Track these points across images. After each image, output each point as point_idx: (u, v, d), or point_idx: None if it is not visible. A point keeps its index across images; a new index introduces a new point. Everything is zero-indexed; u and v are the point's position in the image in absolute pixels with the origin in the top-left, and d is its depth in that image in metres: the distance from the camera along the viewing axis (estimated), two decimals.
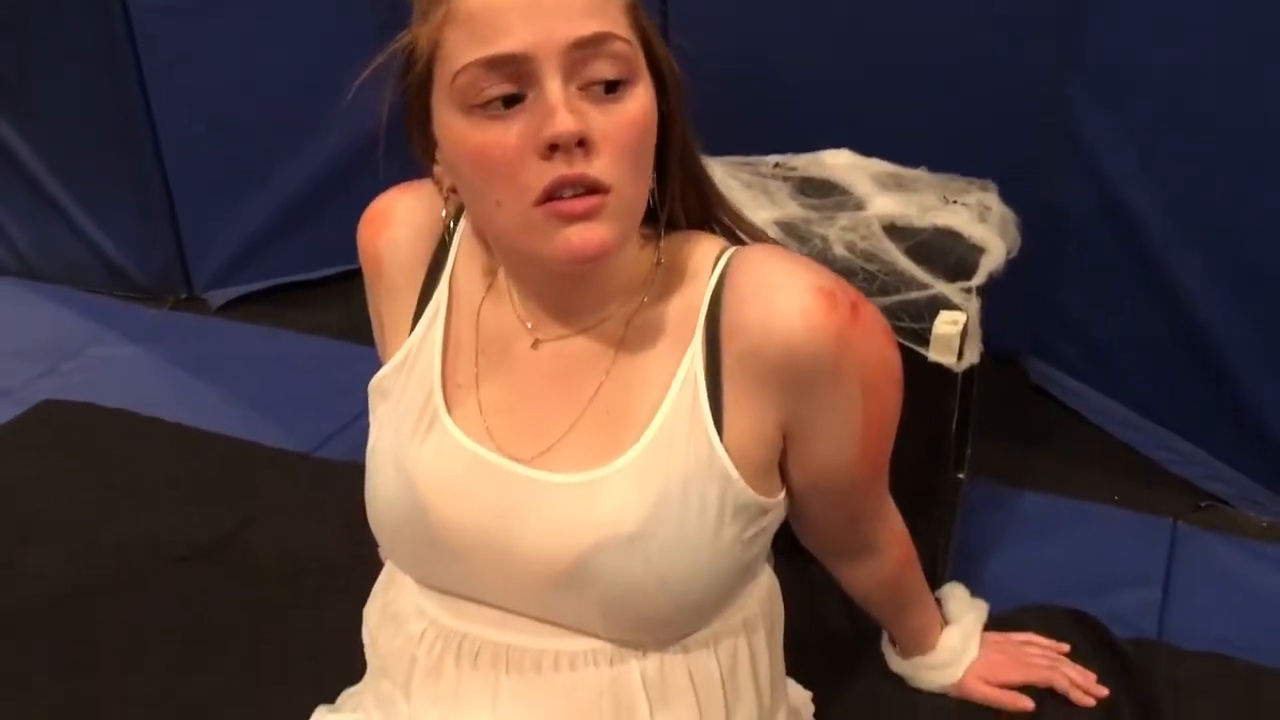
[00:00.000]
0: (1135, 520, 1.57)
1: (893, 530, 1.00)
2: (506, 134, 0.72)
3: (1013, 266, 1.35)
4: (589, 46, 0.72)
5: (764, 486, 0.82)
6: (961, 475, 1.46)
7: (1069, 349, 1.89)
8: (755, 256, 0.82)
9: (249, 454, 1.53)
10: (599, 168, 0.72)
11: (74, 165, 2.32)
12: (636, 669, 0.83)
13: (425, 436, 0.83)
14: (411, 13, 0.78)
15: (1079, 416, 1.87)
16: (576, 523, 0.79)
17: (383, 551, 0.92)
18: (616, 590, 0.79)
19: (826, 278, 0.80)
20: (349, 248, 2.56)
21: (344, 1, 2.08)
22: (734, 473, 0.79)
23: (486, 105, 0.73)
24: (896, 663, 1.15)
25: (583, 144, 0.71)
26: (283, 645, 1.17)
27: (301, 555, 1.32)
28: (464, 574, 0.84)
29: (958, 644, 1.12)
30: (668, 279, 0.83)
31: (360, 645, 0.96)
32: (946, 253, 1.28)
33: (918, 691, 1.14)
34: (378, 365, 1.37)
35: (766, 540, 0.87)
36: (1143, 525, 1.56)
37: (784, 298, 0.78)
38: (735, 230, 0.88)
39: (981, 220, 1.34)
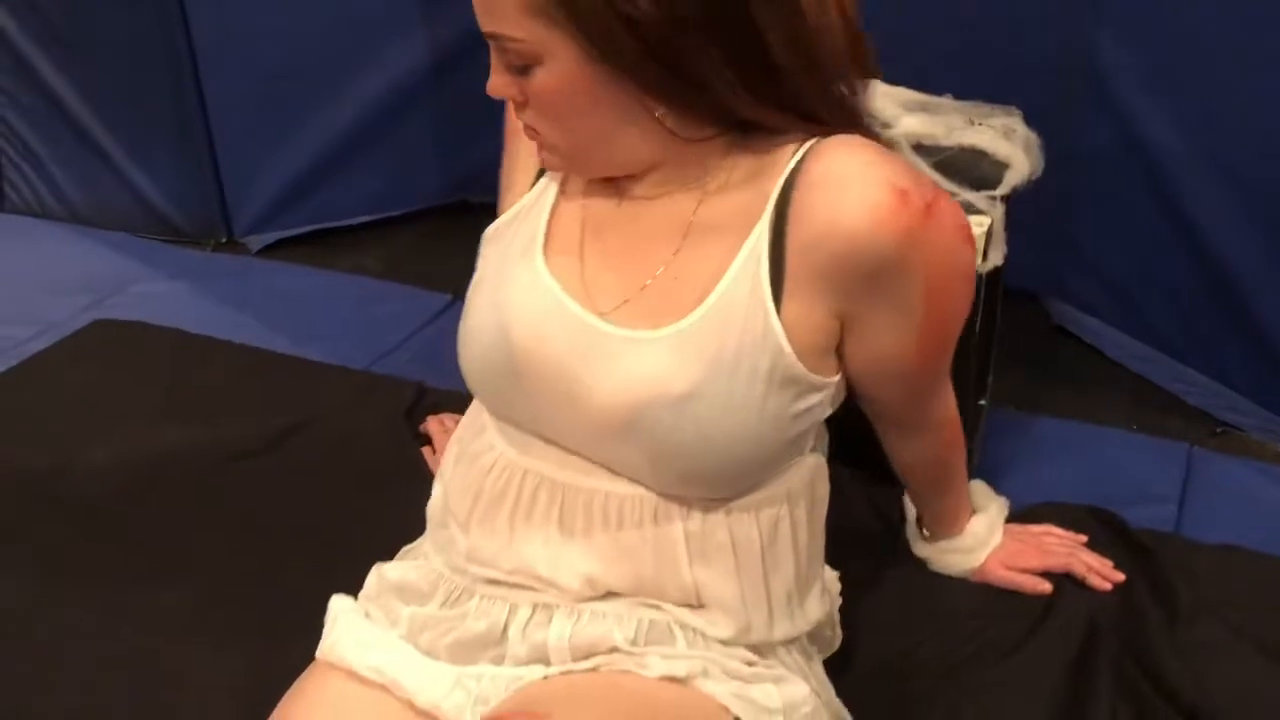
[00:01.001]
0: (1152, 444, 1.61)
1: (946, 413, 1.04)
2: None
3: (1033, 206, 1.39)
4: (491, 38, 0.82)
5: (817, 365, 0.86)
6: (983, 403, 1.51)
7: (1089, 288, 1.93)
8: (834, 147, 0.83)
9: (298, 366, 1.59)
10: (528, 117, 0.86)
11: (120, 113, 2.39)
12: (680, 522, 0.88)
13: (521, 276, 0.91)
14: None
15: (1099, 354, 1.91)
16: (634, 376, 0.85)
17: (469, 385, 0.97)
18: (665, 445, 0.85)
19: (904, 175, 0.81)
20: (386, 194, 2.61)
21: None
22: (787, 347, 0.83)
23: None
24: (921, 546, 1.19)
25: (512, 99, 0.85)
26: (340, 525, 1.22)
27: (355, 451, 1.38)
28: (534, 410, 0.90)
29: (983, 530, 1.16)
30: (747, 166, 0.86)
31: (420, 521, 1.03)
32: (972, 167, 1.32)
33: (938, 575, 1.18)
34: (417, 303, 1.44)
35: (816, 418, 0.90)
36: (1159, 449, 1.60)
37: (854, 192, 0.80)
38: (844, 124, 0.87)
39: (1006, 139, 1.39)
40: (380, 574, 0.99)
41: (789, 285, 0.83)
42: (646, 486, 0.88)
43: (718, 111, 0.83)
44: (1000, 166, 1.34)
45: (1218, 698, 1.00)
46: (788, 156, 0.84)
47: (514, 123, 0.96)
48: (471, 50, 2.32)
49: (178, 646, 1.11)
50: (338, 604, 0.99)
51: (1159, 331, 1.84)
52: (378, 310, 1.99)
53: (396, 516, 1.07)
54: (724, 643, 0.91)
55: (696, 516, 0.89)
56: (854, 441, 1.04)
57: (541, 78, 0.81)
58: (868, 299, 0.85)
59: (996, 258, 1.24)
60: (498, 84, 0.85)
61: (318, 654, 0.96)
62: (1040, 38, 1.80)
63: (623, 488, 0.89)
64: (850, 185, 0.81)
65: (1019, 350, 1.72)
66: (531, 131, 0.87)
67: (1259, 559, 1.20)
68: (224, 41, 2.26)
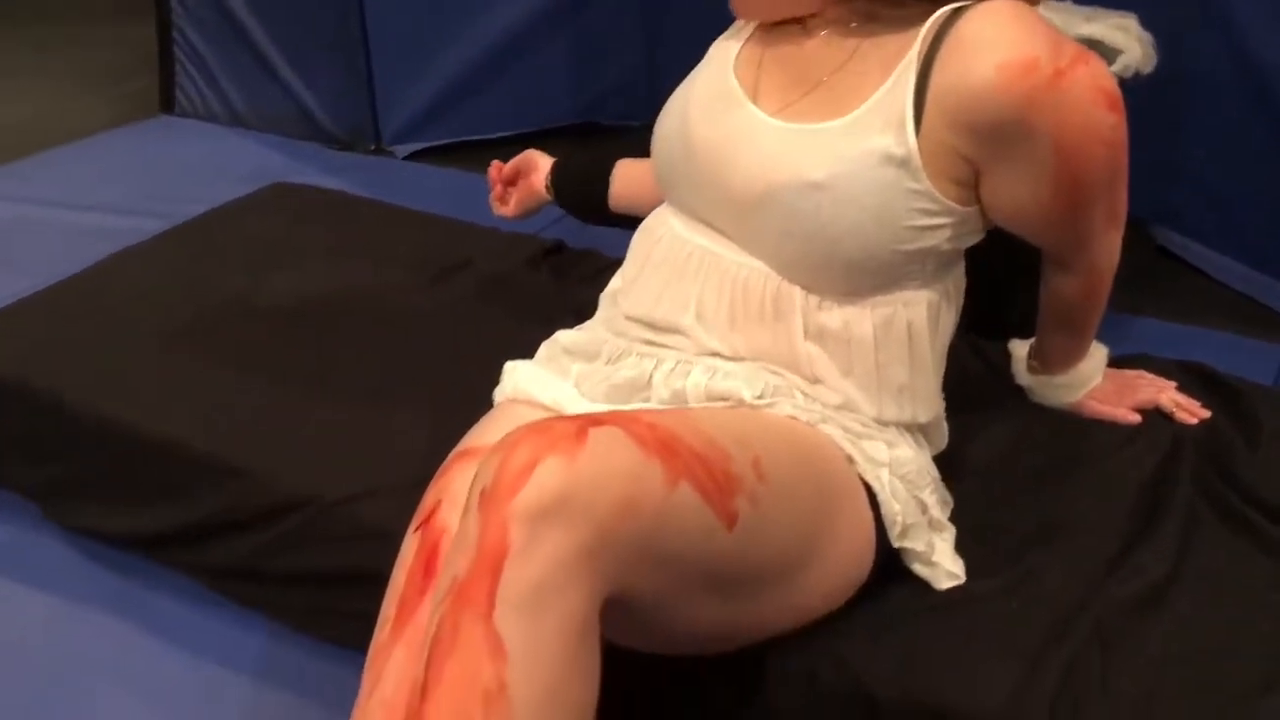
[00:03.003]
0: (1246, 344, 1.69)
1: (1096, 263, 1.10)
2: None
3: (1141, 132, 1.46)
4: None
5: (945, 189, 0.96)
6: None
7: (1194, 211, 2.00)
8: (982, 12, 0.92)
9: (451, 224, 1.76)
10: None
11: (286, 27, 2.61)
12: (798, 301, 1.01)
13: (713, 76, 1.07)
14: None
15: (1201, 274, 1.99)
16: (776, 158, 0.98)
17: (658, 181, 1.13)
18: (790, 227, 0.98)
19: (1039, 42, 0.90)
20: (521, 112, 2.77)
21: None
22: (918, 162, 0.95)
23: None
24: (1026, 377, 1.29)
25: None
26: (493, 340, 1.34)
27: (505, 286, 1.53)
28: (696, 190, 1.05)
29: (1090, 371, 1.25)
30: (904, 19, 0.97)
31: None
32: None
33: (1035, 404, 1.29)
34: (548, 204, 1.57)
35: (936, 242, 0.98)
36: (1253, 349, 1.68)
37: (984, 55, 0.90)
38: None
39: (1122, 32, 1.48)
40: (554, 340, 1.15)
41: (926, 119, 0.95)
42: (773, 268, 1.02)
43: None
44: (1115, 52, 1.44)
45: None
46: (942, 13, 0.95)
47: None
48: None
49: (361, 415, 1.28)
50: (513, 364, 1.14)
51: (1262, 251, 1.90)
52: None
53: (541, 336, 1.21)
54: (836, 408, 1.03)
55: (814, 300, 1.01)
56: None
57: None
58: (994, 152, 0.95)
59: None
60: None
61: (496, 399, 1.12)
62: None
63: (755, 263, 1.02)
64: (982, 48, 0.91)
65: (1120, 267, 1.80)
66: None
67: None
68: None
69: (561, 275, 1.58)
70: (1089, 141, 0.95)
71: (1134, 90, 1.44)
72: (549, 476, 0.76)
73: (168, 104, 2.81)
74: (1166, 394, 1.27)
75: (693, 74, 1.13)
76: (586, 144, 2.59)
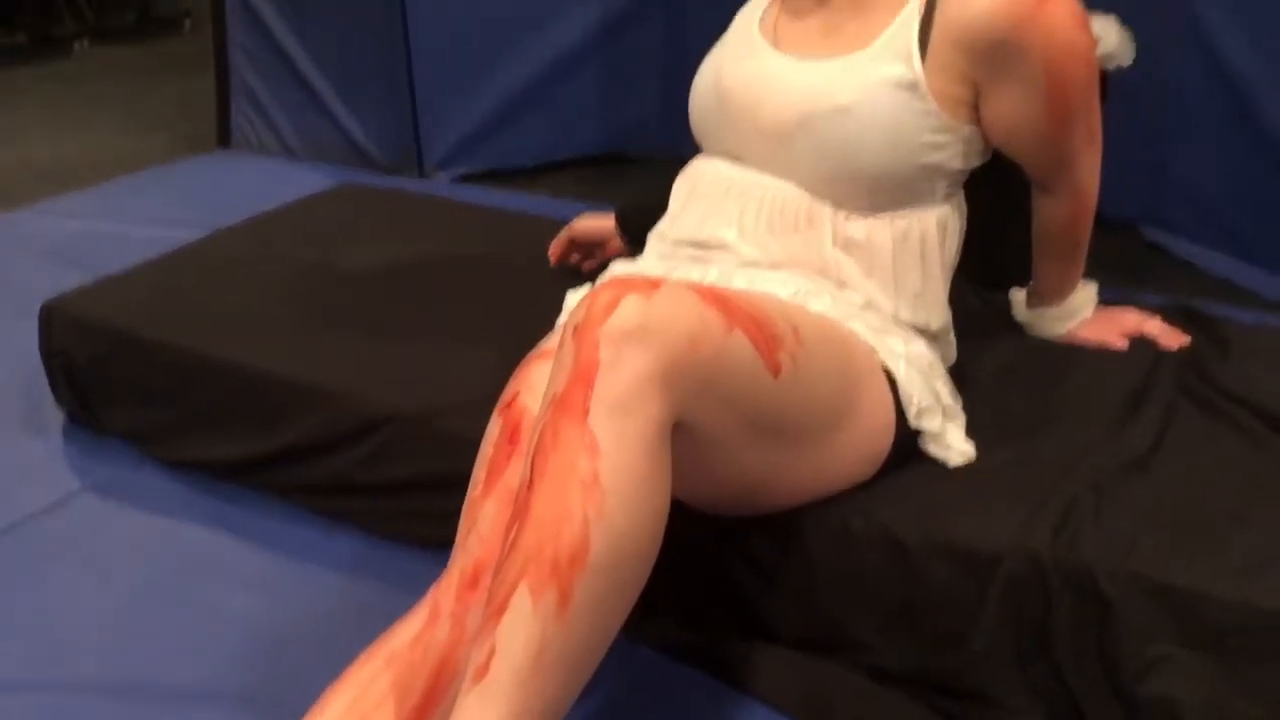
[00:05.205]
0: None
1: (1081, 185, 1.28)
2: None
3: (1127, 138, 1.59)
4: None
5: (951, 109, 1.16)
6: None
7: (1178, 211, 2.18)
8: None
9: (507, 214, 1.95)
10: None
11: (337, 66, 2.82)
12: (827, 216, 1.19)
13: (740, 37, 1.27)
14: None
15: (1190, 265, 2.16)
16: (805, 90, 1.17)
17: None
18: (821, 148, 1.16)
19: None
20: (553, 142, 2.98)
21: None
22: (924, 86, 1.14)
23: None
24: (1023, 312, 1.46)
25: None
26: (545, 298, 1.48)
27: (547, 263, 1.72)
28: (731, 134, 1.23)
29: (1081, 303, 1.42)
30: None
31: None
32: None
33: (1030, 336, 1.45)
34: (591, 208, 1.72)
35: (945, 160, 1.18)
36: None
37: None
38: None
39: (1098, 19, 1.67)
40: (608, 271, 1.31)
41: (932, 48, 1.15)
42: (804, 189, 1.19)
43: None
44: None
45: (1267, 397, 1.24)
46: None
47: None
48: (635, 17, 2.72)
49: (435, 348, 1.46)
50: (572, 294, 1.31)
51: (1245, 244, 2.07)
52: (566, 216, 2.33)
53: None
54: (860, 308, 1.20)
55: (841, 215, 1.19)
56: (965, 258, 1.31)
57: None
58: (992, 71, 1.15)
59: None
60: None
61: (559, 324, 1.28)
62: None
63: (788, 186, 1.20)
64: None
65: (1112, 264, 1.96)
66: None
67: None
68: (431, 6, 2.68)
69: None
70: (1072, 58, 1.15)
71: (1118, 97, 1.62)
72: (630, 309, 0.92)
73: (224, 139, 3.02)
74: (1151, 322, 1.44)
75: (721, 39, 1.32)
76: (614, 173, 2.79)
